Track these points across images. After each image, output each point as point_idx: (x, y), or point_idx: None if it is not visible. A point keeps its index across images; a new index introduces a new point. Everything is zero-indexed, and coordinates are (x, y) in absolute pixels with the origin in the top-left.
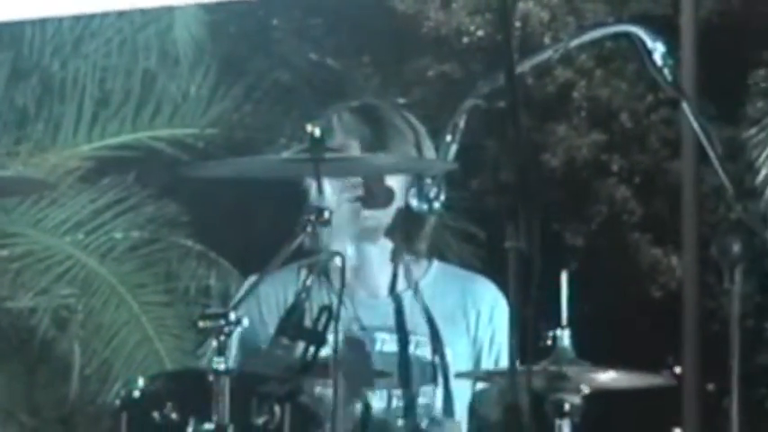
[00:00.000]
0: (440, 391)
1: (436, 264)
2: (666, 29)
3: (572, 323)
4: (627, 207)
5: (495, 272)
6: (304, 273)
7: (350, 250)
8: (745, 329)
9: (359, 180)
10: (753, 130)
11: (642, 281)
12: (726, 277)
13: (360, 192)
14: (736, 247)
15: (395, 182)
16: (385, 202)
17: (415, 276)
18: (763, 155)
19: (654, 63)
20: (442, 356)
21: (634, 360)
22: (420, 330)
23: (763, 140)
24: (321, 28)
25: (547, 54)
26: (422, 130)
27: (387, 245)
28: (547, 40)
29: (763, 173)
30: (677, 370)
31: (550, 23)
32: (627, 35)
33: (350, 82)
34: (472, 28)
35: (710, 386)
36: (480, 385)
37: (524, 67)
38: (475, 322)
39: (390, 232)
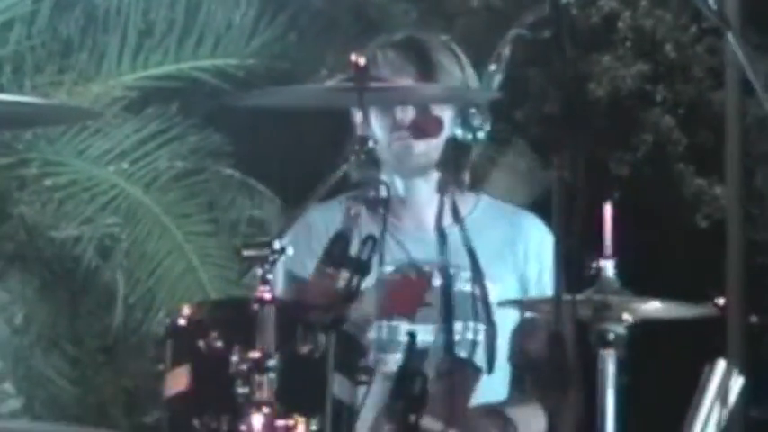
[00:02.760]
0: (483, 326)
1: (484, 198)
2: None
3: (616, 253)
4: (671, 137)
5: (540, 203)
6: (350, 203)
7: (398, 182)
8: None
9: (407, 117)
10: None
11: (686, 211)
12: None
13: (408, 125)
14: None
15: (442, 112)
16: (434, 133)
17: (462, 211)
18: None
19: None
20: (487, 292)
21: (678, 291)
22: (466, 265)
23: None
24: None
25: None
26: (466, 60)
27: (435, 177)
28: None
29: None
30: (721, 301)
31: None
32: None
33: (394, 12)
34: None
35: (754, 318)
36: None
37: None
38: (523, 258)
39: (439, 165)
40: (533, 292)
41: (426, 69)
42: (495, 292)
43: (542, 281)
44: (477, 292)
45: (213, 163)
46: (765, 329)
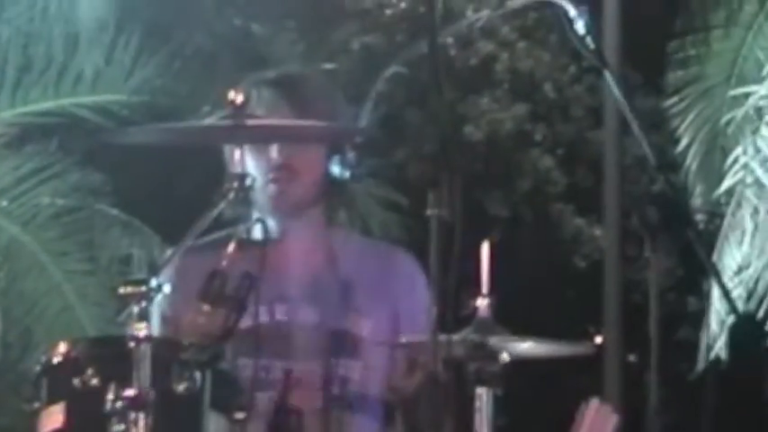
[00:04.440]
0: (359, 363)
1: (357, 236)
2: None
3: (494, 293)
4: (550, 177)
5: (417, 240)
6: (227, 241)
7: (273, 221)
8: (668, 303)
9: (282, 156)
10: (674, 99)
11: (565, 251)
12: (646, 247)
13: (283, 164)
14: (656, 218)
15: (317, 151)
16: (308, 172)
17: (336, 248)
18: (683, 125)
19: (575, 32)
20: (362, 329)
21: (556, 330)
22: (340, 302)
23: (683, 110)
24: None
25: (469, 22)
26: (342, 98)
27: (310, 215)
28: (469, 11)
29: (683, 143)
30: (599, 340)
31: None
32: (549, 4)
33: (274, 49)
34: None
35: (632, 357)
36: (401, 355)
37: (447, 37)
38: (396, 294)
39: (314, 203)
40: (406, 329)
41: (300, 107)
42: (367, 328)
43: (415, 318)
44: (351, 328)
45: (94, 201)
46: (643, 369)
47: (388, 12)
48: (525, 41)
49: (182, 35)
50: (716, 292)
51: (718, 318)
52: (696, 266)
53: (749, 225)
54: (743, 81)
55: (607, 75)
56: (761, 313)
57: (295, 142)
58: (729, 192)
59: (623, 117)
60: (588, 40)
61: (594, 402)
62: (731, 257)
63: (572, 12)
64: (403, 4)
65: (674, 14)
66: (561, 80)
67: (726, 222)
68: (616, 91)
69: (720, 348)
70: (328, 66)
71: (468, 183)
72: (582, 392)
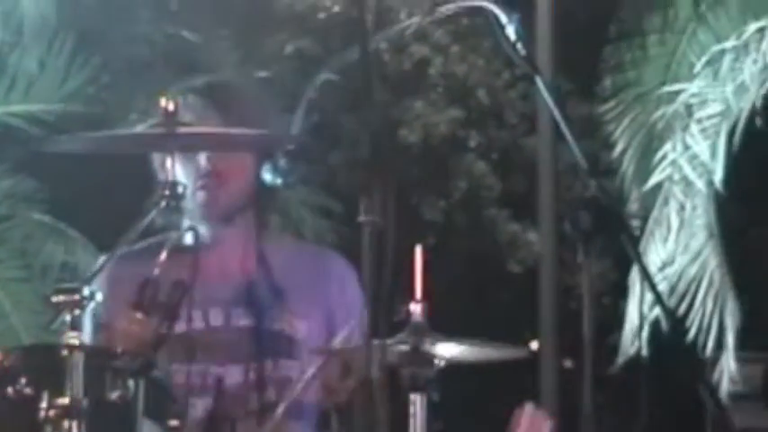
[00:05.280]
0: (295, 365)
1: (289, 240)
2: (523, 4)
3: (428, 297)
4: (485, 183)
5: (351, 246)
6: (159, 248)
7: (204, 228)
8: (603, 307)
9: (212, 163)
10: (608, 105)
11: (500, 256)
12: (579, 252)
13: (213, 172)
14: (588, 223)
15: (247, 158)
16: (239, 180)
17: (269, 253)
18: (618, 130)
19: (507, 38)
20: (296, 332)
21: (492, 334)
22: (273, 305)
23: (618, 116)
24: (178, 1)
25: (401, 27)
26: (272, 105)
27: (241, 222)
28: (402, 16)
29: (618, 148)
30: (534, 345)
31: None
32: (481, 10)
33: (208, 56)
34: (328, 3)
35: (567, 361)
36: (336, 360)
37: (379, 42)
38: (329, 297)
39: (245, 209)
40: (340, 331)
41: (229, 115)
42: (302, 331)
43: (350, 322)
44: (285, 330)
45: (26, 208)
46: (579, 373)
47: (321, 16)
48: (459, 46)
49: (114, 43)
50: (637, 289)
51: (640, 314)
52: (630, 271)
53: (675, 222)
54: (677, 85)
55: (538, 81)
56: (682, 309)
57: (225, 150)
58: (657, 189)
59: (557, 123)
60: (519, 46)
61: (529, 407)
62: (656, 254)
63: (503, 18)
64: (336, 9)
65: (607, 20)
66: (495, 86)
67: (652, 218)
68: (547, 97)
69: (642, 344)
70: (262, 73)
71: (402, 188)
72: (517, 397)
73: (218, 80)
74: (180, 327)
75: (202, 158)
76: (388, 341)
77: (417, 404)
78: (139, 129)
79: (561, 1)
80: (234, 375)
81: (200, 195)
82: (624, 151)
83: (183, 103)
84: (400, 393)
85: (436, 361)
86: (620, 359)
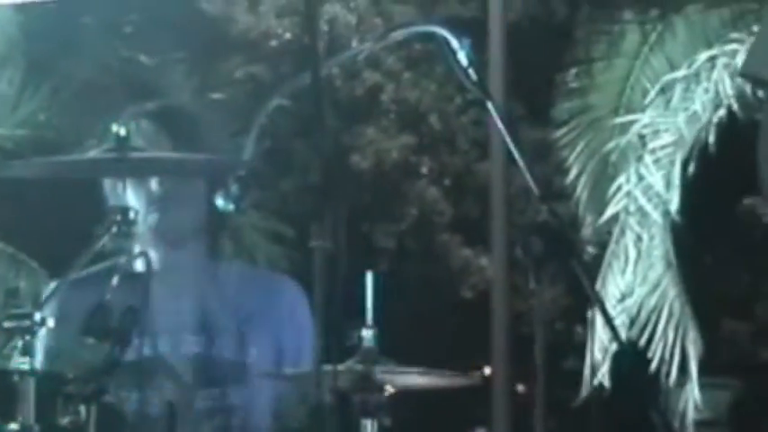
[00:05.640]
0: (244, 391)
1: (241, 265)
2: (475, 31)
3: (379, 323)
4: (437, 208)
5: (302, 272)
6: (110, 274)
7: (156, 253)
8: (555, 332)
9: (163, 188)
10: (562, 130)
11: (453, 281)
12: (531, 278)
13: (164, 196)
14: (540, 248)
15: (199, 183)
16: (190, 205)
17: (220, 279)
18: (572, 156)
19: (458, 63)
20: (247, 357)
21: (444, 360)
22: (224, 331)
23: (572, 141)
24: (132, 26)
25: (352, 53)
26: (225, 130)
27: (193, 248)
28: (354, 42)
29: (572, 174)
30: (487, 371)
31: (358, 26)
32: (432, 36)
33: (162, 80)
34: (280, 30)
35: (520, 387)
36: (285, 385)
37: (331, 68)
38: (280, 323)
39: (197, 234)
40: (290, 358)
41: (181, 140)
42: (252, 357)
43: (300, 347)
44: (235, 357)
45: None
46: (531, 399)
47: (273, 43)
48: (411, 72)
49: (68, 67)
50: (599, 320)
51: (601, 345)
52: (583, 296)
53: (632, 253)
54: (631, 111)
55: (490, 106)
56: (643, 340)
57: (176, 175)
58: (613, 220)
59: (509, 148)
60: (471, 71)
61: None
62: (614, 285)
63: (454, 43)
64: (288, 36)
65: (560, 46)
66: (447, 111)
67: (609, 250)
68: (499, 122)
69: (603, 376)
70: (216, 96)
71: (354, 213)
72: (469, 423)
73: (170, 105)
74: (131, 353)
75: (154, 183)
76: (339, 366)
77: (368, 430)
78: (92, 154)
79: (514, 26)
80: (184, 402)
81: (152, 220)
82: (578, 177)
83: (135, 129)
84: (351, 419)
85: (387, 387)
86: (583, 391)
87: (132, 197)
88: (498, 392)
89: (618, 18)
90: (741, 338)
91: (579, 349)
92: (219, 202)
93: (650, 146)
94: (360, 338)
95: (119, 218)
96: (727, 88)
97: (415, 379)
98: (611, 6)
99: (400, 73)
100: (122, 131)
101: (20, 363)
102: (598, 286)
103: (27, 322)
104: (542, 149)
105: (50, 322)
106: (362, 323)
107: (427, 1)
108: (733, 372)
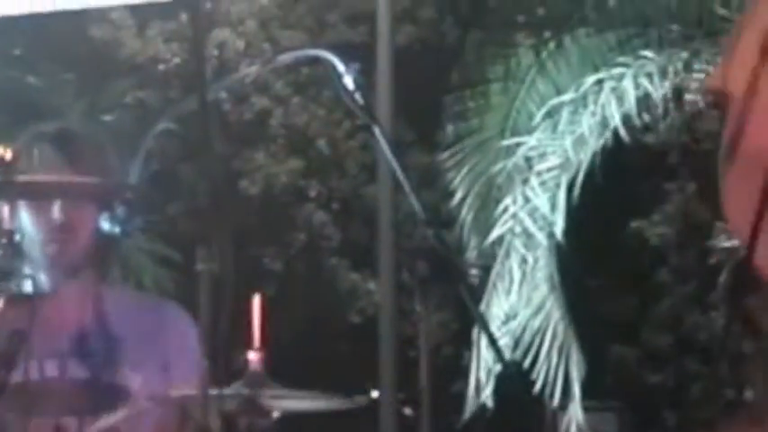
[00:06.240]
0: (132, 415)
1: (128, 290)
2: (365, 55)
3: (266, 347)
4: (325, 232)
5: (189, 295)
6: None
7: (45, 277)
8: (443, 356)
9: (56, 212)
10: (448, 153)
11: (341, 305)
12: (417, 301)
13: (56, 221)
14: (426, 272)
15: (90, 207)
16: (81, 229)
17: (107, 304)
18: (458, 178)
19: (345, 87)
20: (134, 381)
21: (332, 384)
22: (111, 356)
23: (458, 164)
24: (21, 49)
25: (240, 77)
26: (115, 153)
27: (82, 272)
28: (243, 67)
29: (457, 196)
30: (375, 394)
31: (246, 51)
32: (319, 60)
33: (52, 102)
34: (168, 55)
35: (407, 410)
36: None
37: (219, 91)
38: (166, 348)
39: (86, 259)
40: (177, 382)
41: (76, 164)
42: (138, 382)
43: (187, 371)
44: (121, 382)
45: None
46: (419, 422)
47: (162, 67)
48: (299, 96)
49: None
50: (483, 342)
51: (485, 366)
52: (470, 319)
53: (517, 275)
54: (517, 134)
55: (376, 130)
56: (527, 362)
57: (69, 199)
58: (498, 242)
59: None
60: (357, 95)
61: None
62: (499, 307)
63: (340, 67)
64: (176, 60)
65: (450, 70)
66: (336, 136)
67: (494, 272)
68: (385, 146)
69: (487, 396)
70: (107, 118)
71: (242, 237)
72: None
73: (66, 127)
74: (16, 377)
75: (55, 210)
76: (226, 390)
77: None
78: None
79: (403, 49)
80: (70, 428)
81: (52, 248)
82: (463, 199)
83: (29, 152)
84: None
85: (274, 411)
86: (467, 411)
87: (28, 221)
88: (385, 416)
89: (509, 41)
90: (628, 362)
91: (467, 373)
92: (106, 225)
93: (536, 168)
94: (246, 362)
95: (4, 241)
96: (614, 112)
97: (303, 403)
98: (503, 29)
99: (289, 98)
100: (7, 155)
101: None
102: (483, 308)
103: None
104: (431, 174)
105: None
106: (249, 346)
107: (316, 26)
108: (619, 395)
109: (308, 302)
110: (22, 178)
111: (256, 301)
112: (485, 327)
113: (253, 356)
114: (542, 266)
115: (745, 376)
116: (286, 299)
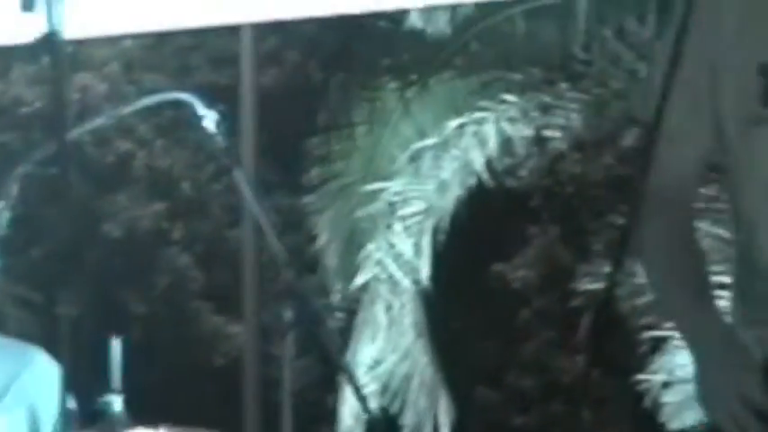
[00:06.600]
0: None
1: None
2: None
3: (127, 389)
4: (189, 275)
5: (52, 338)
6: None
7: None
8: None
9: None
10: (312, 196)
11: (204, 348)
12: (279, 345)
13: None
14: (288, 315)
15: None
16: None
17: None
18: (321, 222)
19: (205, 130)
20: None
21: (195, 427)
22: None
23: (321, 207)
24: None
25: (102, 120)
26: None
27: None
28: (106, 109)
29: (321, 240)
30: None
31: (109, 94)
32: (180, 103)
33: None
34: (30, 98)
35: None
36: None
37: (81, 134)
38: (30, 391)
39: None
40: (43, 425)
41: None
42: (4, 425)
43: (52, 416)
44: None
45: None
46: None
47: (24, 110)
48: (163, 139)
49: None
50: (350, 388)
51: (353, 411)
52: (335, 363)
53: (383, 320)
54: (380, 178)
55: (238, 173)
56: (395, 407)
57: None
58: (364, 287)
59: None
60: (219, 138)
61: None
62: (365, 353)
63: (201, 110)
64: (38, 103)
65: (314, 112)
66: (199, 178)
67: (360, 318)
68: (246, 189)
69: None
70: None
71: (105, 279)
72: None
73: None
74: None
75: None
76: None
77: None
78: None
79: (268, 92)
80: None
81: None
82: (328, 243)
83: None
84: None
85: None
86: None
87: None
88: None
89: (374, 84)
90: (492, 406)
91: (332, 417)
92: None
93: (400, 213)
94: (106, 404)
95: None
96: (476, 156)
97: None
98: (368, 72)
99: (152, 140)
100: None
101: None
102: (350, 353)
103: None
104: (295, 216)
105: None
106: (109, 389)
107: (180, 69)
108: None
109: (172, 345)
110: None
111: (116, 344)
112: (349, 373)
113: (113, 399)
114: (408, 312)
115: (607, 418)
116: (149, 341)
